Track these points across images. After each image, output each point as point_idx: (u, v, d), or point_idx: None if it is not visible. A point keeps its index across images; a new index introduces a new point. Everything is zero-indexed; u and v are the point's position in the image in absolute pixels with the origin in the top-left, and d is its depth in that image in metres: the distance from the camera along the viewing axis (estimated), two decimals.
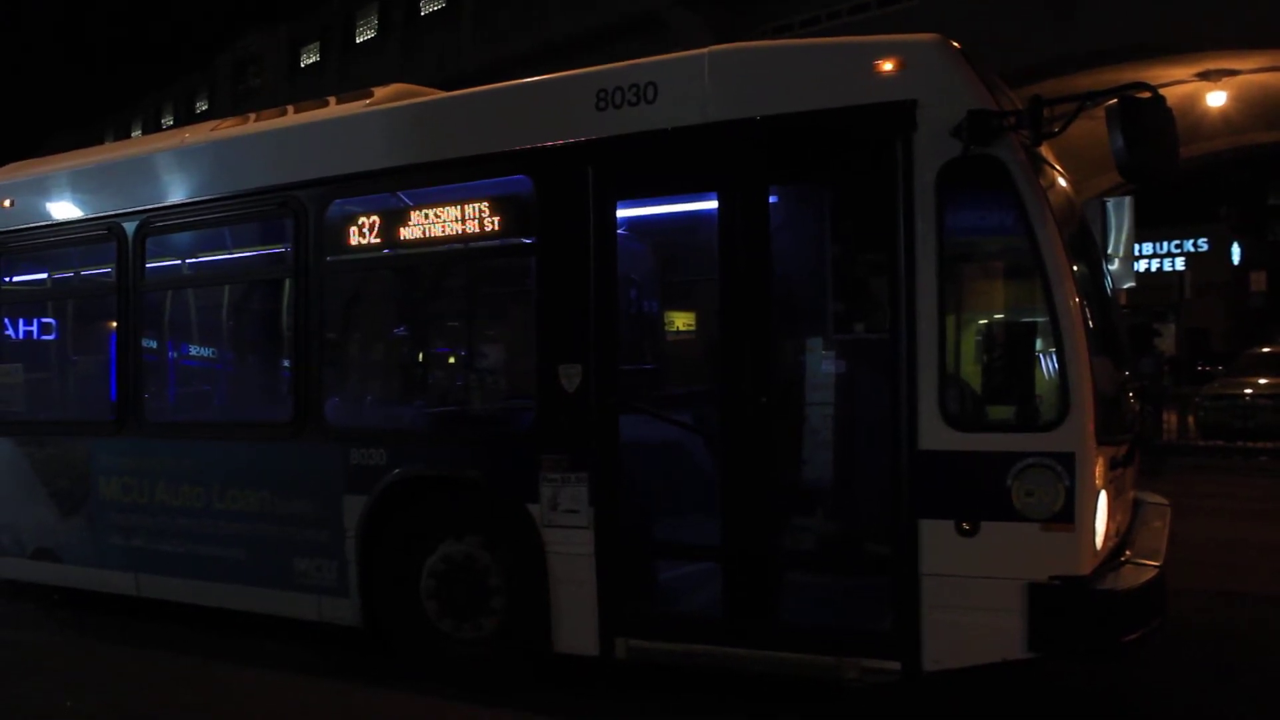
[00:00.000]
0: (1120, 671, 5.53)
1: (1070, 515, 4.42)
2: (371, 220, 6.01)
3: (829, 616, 5.06)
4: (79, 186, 7.40)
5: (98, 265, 7.44)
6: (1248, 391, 18.20)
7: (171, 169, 6.90)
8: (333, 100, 6.76)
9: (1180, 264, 39.44)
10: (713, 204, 5.21)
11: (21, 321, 8.06)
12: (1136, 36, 20.77)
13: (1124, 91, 4.26)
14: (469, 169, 5.71)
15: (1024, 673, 4.84)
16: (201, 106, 47.21)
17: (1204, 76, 22.76)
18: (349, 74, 35.79)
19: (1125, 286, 6.35)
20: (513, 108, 5.66)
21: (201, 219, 6.77)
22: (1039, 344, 4.55)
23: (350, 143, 6.15)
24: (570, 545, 5.32)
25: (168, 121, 49.71)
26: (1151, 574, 4.65)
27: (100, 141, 29.06)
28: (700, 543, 5.29)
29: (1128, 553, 4.93)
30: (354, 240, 6.06)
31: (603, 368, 5.27)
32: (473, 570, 5.62)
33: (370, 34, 37.96)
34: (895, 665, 4.71)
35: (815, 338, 5.34)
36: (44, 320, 8.08)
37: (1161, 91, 4.23)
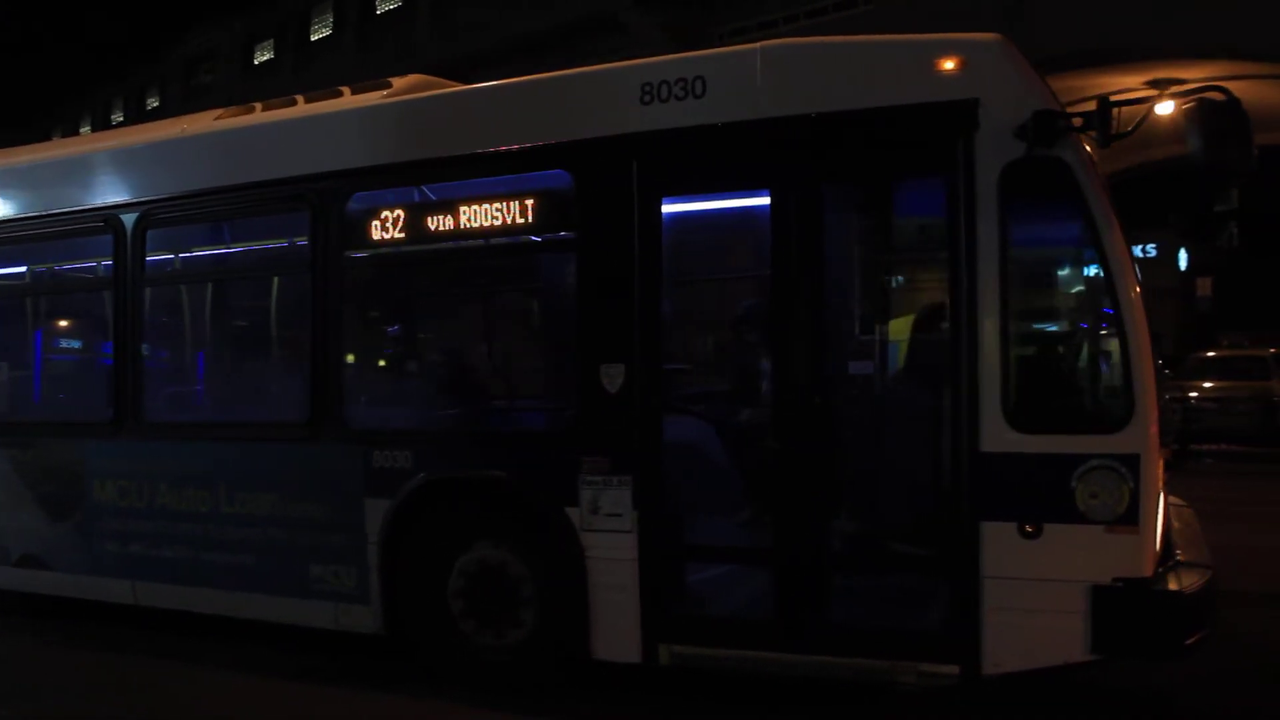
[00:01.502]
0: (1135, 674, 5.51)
1: (1135, 517, 4.40)
2: (395, 214, 5.82)
3: (883, 620, 4.99)
4: (69, 176, 7.07)
5: (91, 258, 7.14)
6: (1193, 395, 18.58)
7: (175, 159, 6.64)
8: (347, 91, 6.54)
9: None
10: (757, 201, 5.13)
11: (6, 317, 7.72)
12: (1086, 43, 21.13)
13: (1199, 93, 4.26)
14: (502, 162, 5.54)
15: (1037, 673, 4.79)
16: (153, 103, 46.07)
17: (1153, 85, 23.28)
18: (304, 71, 35.23)
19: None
20: (550, 100, 5.52)
21: (209, 211, 6.52)
22: (1102, 346, 4.54)
23: (373, 134, 5.95)
24: (612, 550, 5.18)
25: (117, 118, 48.45)
26: (1209, 576, 4.65)
27: (48, 138, 28.26)
28: (747, 545, 5.19)
29: (1178, 554, 4.93)
30: (376, 235, 5.86)
31: (647, 368, 5.14)
32: (505, 575, 5.47)
33: (326, 31, 37.35)
34: (953, 669, 4.65)
35: (871, 338, 5.27)
36: (30, 316, 7.73)
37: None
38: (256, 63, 40.35)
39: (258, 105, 6.87)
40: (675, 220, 5.24)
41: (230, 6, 40.97)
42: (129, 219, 6.65)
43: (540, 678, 5.41)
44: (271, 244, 6.79)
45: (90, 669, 6.22)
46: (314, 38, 37.85)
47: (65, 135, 36.51)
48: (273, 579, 6.11)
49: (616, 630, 5.19)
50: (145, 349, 6.70)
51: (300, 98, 6.73)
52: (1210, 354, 20.82)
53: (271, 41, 39.70)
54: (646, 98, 5.18)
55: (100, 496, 6.69)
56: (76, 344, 7.79)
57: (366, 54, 34.63)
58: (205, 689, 5.86)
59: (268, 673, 6.00)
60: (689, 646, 5.11)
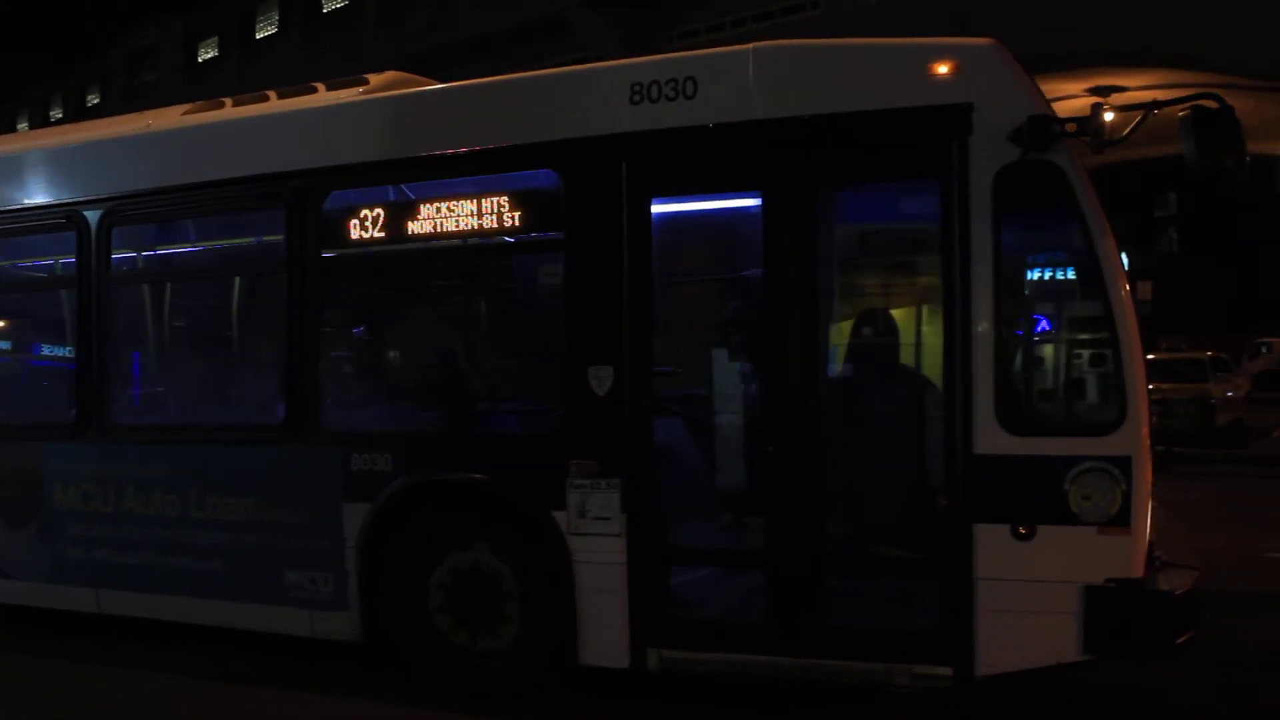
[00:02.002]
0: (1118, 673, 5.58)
1: (1127, 519, 4.45)
2: (375, 213, 5.71)
3: (877, 622, 4.99)
4: (27, 171, 6.85)
5: (52, 256, 6.92)
6: None
7: (142, 154, 6.46)
8: (321, 87, 6.41)
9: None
10: (748, 202, 5.11)
11: None
12: (1031, 49, 21.51)
13: (1193, 101, 4.32)
14: (488, 161, 5.47)
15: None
16: (93, 100, 45.04)
17: (1095, 92, 23.79)
18: (250, 71, 34.72)
19: None
20: (537, 98, 5.45)
21: (178, 208, 6.35)
22: (1094, 349, 4.59)
23: (354, 131, 5.84)
24: (600, 554, 5.13)
25: (56, 114, 47.24)
26: (1196, 576, 4.71)
27: None
28: (738, 548, 5.17)
29: (1159, 554, 4.99)
30: (355, 233, 5.74)
31: (636, 370, 5.10)
32: (490, 580, 5.38)
33: (271, 30, 36.82)
34: (947, 670, 4.67)
35: (864, 341, 5.27)
36: None
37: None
38: (200, 61, 39.64)
39: (227, 101, 6.71)
40: (665, 221, 5.21)
41: (172, 4, 40.25)
42: (93, 215, 6.45)
43: (526, 683, 5.34)
44: (244, 242, 6.65)
45: (53, 677, 6.01)
46: (259, 36, 37.31)
47: None
48: (245, 585, 5.96)
49: (604, 635, 5.13)
50: (110, 348, 6.50)
51: (272, 93, 6.59)
52: (1150, 357, 21.30)
53: (216, 40, 39.06)
54: (636, 98, 5.13)
55: (62, 501, 6.48)
56: (38, 343, 7.53)
57: (313, 54, 34.23)
58: (175, 694, 5.71)
59: (243, 679, 5.86)
60: (678, 651, 5.06)
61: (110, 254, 6.46)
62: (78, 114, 42.65)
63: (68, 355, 6.71)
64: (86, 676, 5.97)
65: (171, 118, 6.75)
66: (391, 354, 6.45)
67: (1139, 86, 23.98)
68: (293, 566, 5.81)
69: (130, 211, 6.41)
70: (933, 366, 4.75)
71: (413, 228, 5.65)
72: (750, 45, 5.03)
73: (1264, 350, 32.34)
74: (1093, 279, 4.53)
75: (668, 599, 5.16)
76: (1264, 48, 19.27)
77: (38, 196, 6.74)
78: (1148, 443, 4.48)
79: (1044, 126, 4.49)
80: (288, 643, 5.97)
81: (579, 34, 32.57)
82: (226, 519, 5.97)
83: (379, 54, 32.06)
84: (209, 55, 39.25)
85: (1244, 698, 5.39)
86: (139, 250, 6.73)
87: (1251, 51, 19.26)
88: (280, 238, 5.97)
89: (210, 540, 6.03)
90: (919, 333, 5.16)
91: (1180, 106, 4.33)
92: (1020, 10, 21.46)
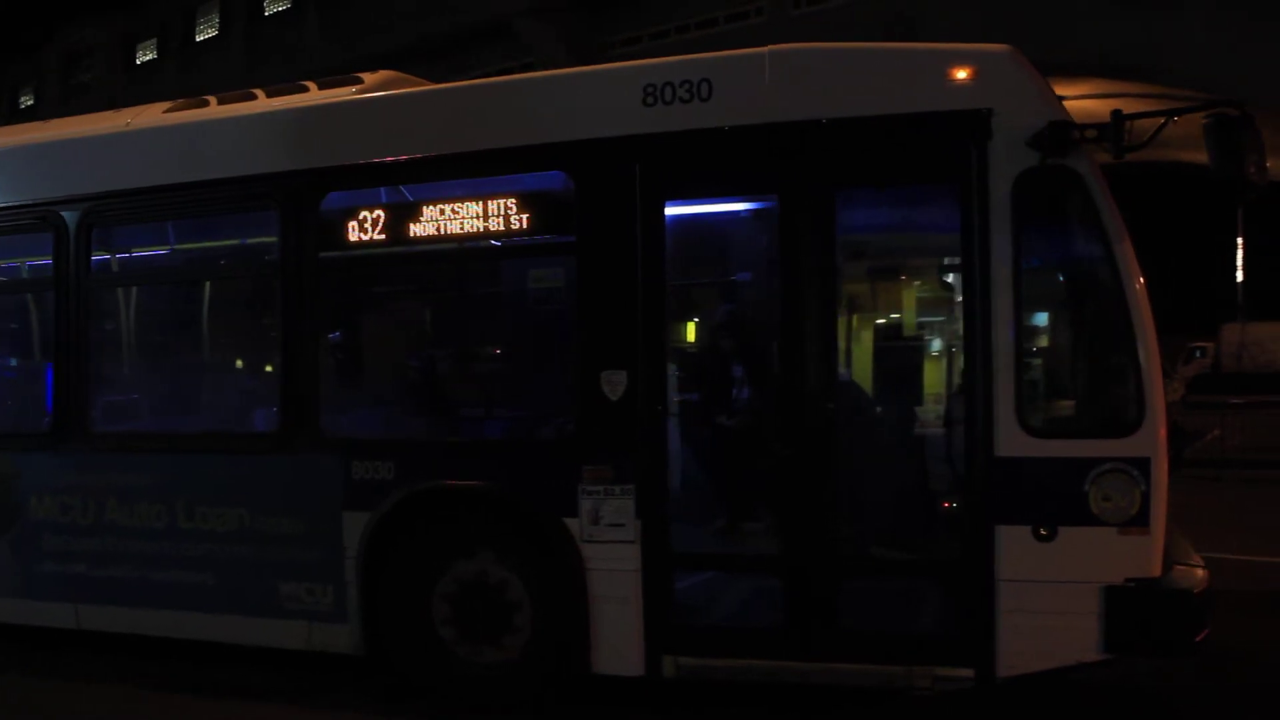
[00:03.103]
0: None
1: (1146, 519, 4.51)
2: (375, 215, 5.59)
3: (897, 624, 4.98)
4: None
5: (28, 257, 6.66)
6: None
7: (124, 152, 6.24)
8: (313, 86, 6.27)
9: None
10: (764, 206, 5.10)
11: None
12: None
13: (1215, 108, 4.40)
14: (496, 162, 5.38)
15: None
16: (27, 101, 43.70)
17: None
18: (190, 73, 33.99)
19: None
20: (547, 99, 5.38)
21: (161, 208, 6.15)
22: (1113, 352, 4.64)
23: (355, 130, 5.71)
24: (613, 561, 5.06)
25: None
26: (1209, 574, 4.79)
27: None
28: (755, 553, 5.13)
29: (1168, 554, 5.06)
30: (355, 236, 5.61)
31: (650, 374, 5.04)
32: (497, 589, 5.29)
33: (212, 32, 36.11)
34: (969, 672, 4.69)
35: (883, 344, 5.28)
36: None
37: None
38: (139, 62, 38.70)
39: (212, 99, 6.53)
40: (679, 224, 5.17)
41: (110, 4, 39.22)
42: (71, 216, 6.22)
43: (536, 694, 5.25)
44: (235, 243, 6.47)
45: (24, 692, 5.79)
46: (199, 38, 36.55)
47: None
48: (238, 598, 5.78)
49: (618, 643, 5.07)
50: (90, 355, 6.26)
51: (259, 92, 6.43)
52: None
53: (155, 41, 38.16)
54: (650, 99, 5.09)
55: (39, 513, 6.22)
56: (13, 348, 7.24)
57: (254, 56, 33.69)
58: (164, 711, 5.53)
59: (241, 695, 5.69)
60: (694, 658, 5.03)
61: (90, 255, 6.23)
62: (10, 115, 41.42)
63: (45, 361, 6.45)
64: (68, 696, 5.76)
65: (153, 115, 6.54)
66: (395, 359, 6.31)
67: (1076, 96, 24.59)
68: (289, 578, 5.66)
69: (112, 211, 6.20)
70: (953, 370, 4.77)
71: (415, 230, 5.54)
72: (767, 48, 5.02)
73: (1198, 354, 33.21)
74: (1111, 283, 4.58)
75: (684, 605, 5.11)
76: (1197, 60, 19.86)
77: (9, 196, 6.48)
78: (1165, 444, 4.55)
79: (1063, 132, 4.54)
80: (276, 656, 5.82)
81: (524, 40, 32.51)
82: (218, 530, 5.79)
83: (321, 57, 31.67)
84: (148, 57, 38.32)
85: (1236, 698, 5.48)
86: (121, 252, 6.50)
87: (1185, 63, 19.82)
88: (274, 239, 5.82)
89: (200, 552, 5.84)
90: (938, 336, 5.18)
91: (1203, 115, 4.40)
92: (964, 19, 21.89)
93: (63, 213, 6.23)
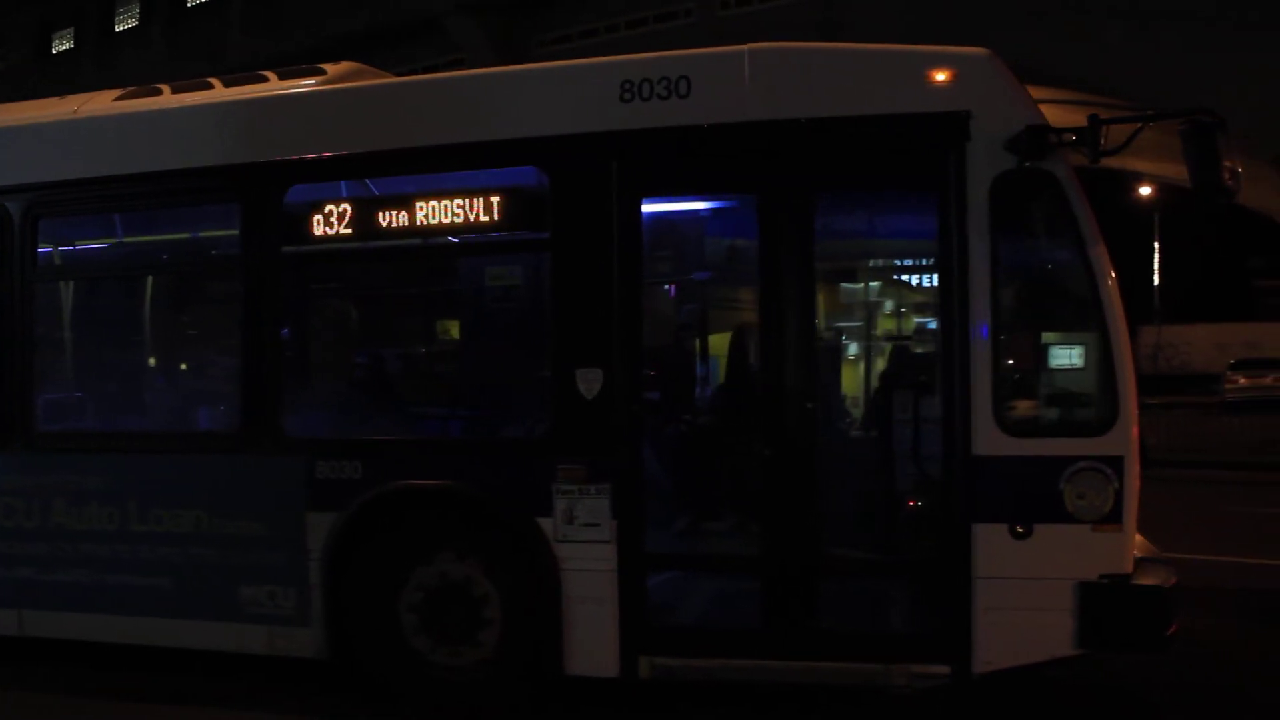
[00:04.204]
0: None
1: (1119, 516, 4.60)
2: (342, 209, 5.46)
3: (874, 623, 5.02)
4: None
5: None
6: None
7: (74, 141, 6.00)
8: (273, 76, 6.10)
9: None
10: (743, 204, 5.09)
11: None
12: None
13: (1189, 115, 4.49)
14: (469, 156, 5.29)
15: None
16: None
17: None
18: (110, 64, 32.96)
19: None
20: (522, 94, 5.30)
21: (117, 199, 5.93)
22: (1087, 353, 4.73)
23: (321, 122, 5.58)
24: (589, 561, 5.01)
25: None
26: (1175, 570, 4.89)
27: None
28: (732, 552, 5.12)
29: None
30: (320, 230, 5.46)
31: (626, 373, 5.00)
32: (468, 590, 5.20)
33: (132, 22, 35.05)
34: (944, 669, 4.73)
35: (861, 343, 5.31)
36: None
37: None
38: (55, 52, 37.38)
39: (165, 88, 6.32)
40: (657, 221, 5.14)
41: None
42: (15, 206, 5.97)
43: (507, 697, 5.17)
44: (191, 237, 6.27)
45: None
46: (119, 28, 35.46)
47: None
48: (195, 602, 5.60)
49: (593, 644, 5.02)
50: (34, 352, 6.01)
51: (216, 81, 6.24)
52: None
53: (71, 31, 36.89)
54: (627, 95, 5.05)
55: None
56: None
57: (176, 48, 32.83)
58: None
59: (199, 700, 5.52)
60: (671, 658, 4.99)
61: (36, 248, 5.99)
62: None
63: None
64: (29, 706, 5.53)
65: (102, 103, 6.31)
66: (362, 357, 6.16)
67: None
68: (249, 581, 5.50)
69: (59, 202, 5.96)
70: (931, 369, 4.81)
71: (382, 225, 5.41)
72: (746, 46, 5.01)
73: None
74: (1086, 285, 4.66)
75: (660, 605, 5.09)
76: (1113, 66, 20.47)
77: None
78: (1138, 443, 4.64)
79: (1041, 136, 4.60)
80: (237, 662, 5.66)
81: (453, 37, 32.29)
82: (175, 532, 5.61)
83: (244, 52, 31.07)
84: (64, 46, 37.02)
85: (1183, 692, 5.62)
86: (69, 245, 6.27)
87: (1101, 70, 20.39)
88: (235, 232, 5.65)
89: (156, 555, 5.65)
90: (915, 336, 5.22)
91: (1179, 122, 4.50)
92: (890, 22, 22.27)
93: (6, 203, 5.98)
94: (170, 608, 5.65)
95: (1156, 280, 37.46)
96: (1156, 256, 37.37)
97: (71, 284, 6.42)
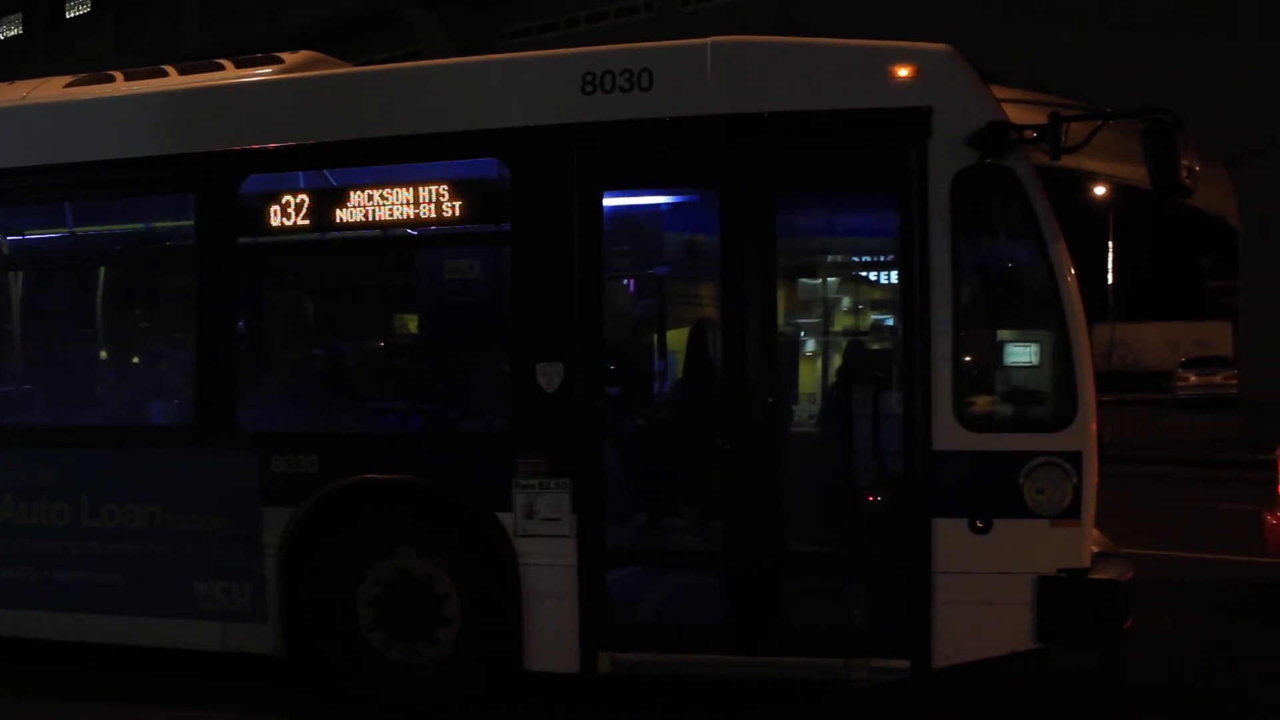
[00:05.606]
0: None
1: (1077, 511, 4.64)
2: (299, 200, 5.38)
3: (835, 618, 5.03)
4: None
5: None
6: None
7: (22, 128, 5.86)
8: (229, 64, 6.00)
9: None
10: (704, 197, 5.08)
11: None
12: None
13: (1148, 114, 4.53)
14: (428, 147, 5.23)
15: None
16: None
17: None
18: (59, 51, 32.35)
19: None
20: (483, 84, 5.24)
21: (67, 188, 5.80)
22: (1046, 349, 4.76)
23: (279, 111, 5.48)
24: (548, 556, 4.97)
25: None
26: (1131, 564, 4.95)
27: None
28: (693, 548, 5.10)
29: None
30: (277, 221, 5.38)
31: (587, 367, 4.97)
32: (426, 585, 5.14)
33: (84, 9, 34.38)
34: (904, 664, 4.75)
35: (822, 338, 5.31)
36: None
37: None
38: (3, 38, 36.59)
39: (118, 74, 6.20)
40: (617, 215, 5.11)
41: None
42: None
43: (467, 693, 5.12)
44: (144, 227, 6.13)
45: None
46: (70, 15, 34.77)
47: None
48: (148, 598, 5.50)
49: (552, 639, 4.99)
50: None
51: (171, 69, 6.13)
52: None
53: (19, 17, 36.12)
54: (589, 87, 5.01)
55: None
56: None
57: (129, 35, 32.28)
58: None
59: (149, 700, 5.42)
60: (631, 653, 4.97)
61: None
62: None
63: None
64: None
65: (53, 89, 6.17)
66: (319, 349, 6.07)
67: None
68: (204, 577, 5.41)
69: (8, 191, 5.83)
70: (891, 365, 4.82)
71: (340, 216, 5.34)
72: (709, 39, 4.99)
73: None
74: (1045, 282, 4.69)
75: (620, 600, 5.06)
76: (1067, 67, 20.68)
77: None
78: (1096, 439, 4.68)
79: (1002, 132, 4.62)
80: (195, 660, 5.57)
81: (413, 30, 32.03)
82: (127, 527, 5.50)
83: (199, 42, 30.59)
84: (12, 32, 36.24)
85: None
86: (16, 234, 6.12)
87: (1055, 70, 20.60)
88: (190, 223, 5.55)
89: (107, 551, 5.53)
90: (876, 331, 5.23)
91: (1137, 121, 4.53)
92: (849, 22, 22.33)
93: None
94: (123, 604, 5.54)
95: (1110, 279, 38.04)
96: (1111, 256, 37.94)
97: (21, 275, 6.28)
